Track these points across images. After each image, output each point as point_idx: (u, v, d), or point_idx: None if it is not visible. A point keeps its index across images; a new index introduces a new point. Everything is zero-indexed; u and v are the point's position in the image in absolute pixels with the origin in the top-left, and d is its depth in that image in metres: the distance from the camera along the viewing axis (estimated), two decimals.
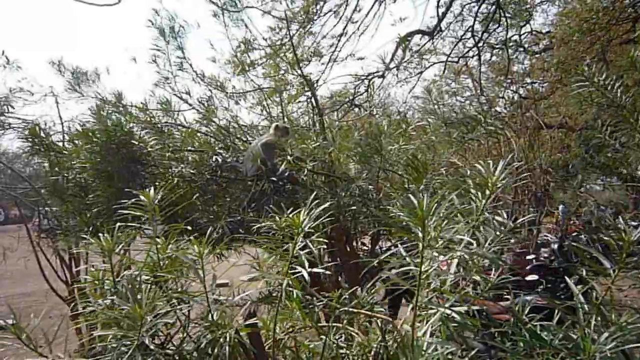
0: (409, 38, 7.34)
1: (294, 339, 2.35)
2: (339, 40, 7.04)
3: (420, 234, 1.59)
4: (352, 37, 7.08)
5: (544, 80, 10.25)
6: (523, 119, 8.07)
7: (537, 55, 10.29)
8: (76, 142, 3.99)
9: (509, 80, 10.31)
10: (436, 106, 4.27)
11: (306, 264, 1.90)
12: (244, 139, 4.86)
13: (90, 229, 3.81)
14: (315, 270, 1.96)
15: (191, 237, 2.52)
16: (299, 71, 5.49)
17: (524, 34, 9.24)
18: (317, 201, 3.89)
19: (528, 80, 10.97)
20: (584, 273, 2.57)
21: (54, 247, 5.73)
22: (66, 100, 5.01)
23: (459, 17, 7.92)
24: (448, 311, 1.79)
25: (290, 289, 2.04)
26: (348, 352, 2.25)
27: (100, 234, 2.34)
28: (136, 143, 3.88)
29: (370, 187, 4.05)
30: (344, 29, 6.98)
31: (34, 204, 6.34)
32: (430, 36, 7.45)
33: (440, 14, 7.14)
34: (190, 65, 4.92)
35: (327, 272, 2.18)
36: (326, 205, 2.00)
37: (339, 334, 2.35)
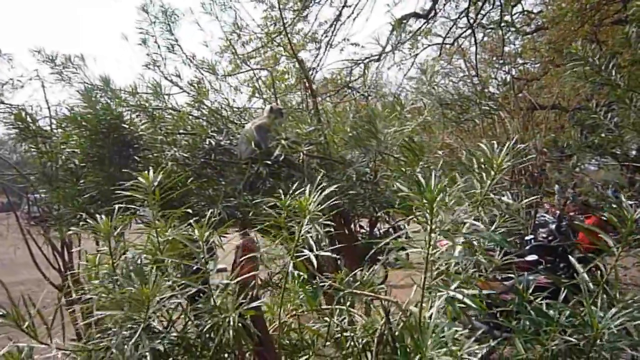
0: (404, 20, 7.27)
1: (297, 321, 2.31)
2: (334, 25, 6.96)
3: (428, 216, 1.55)
4: (346, 22, 7.01)
5: (536, 61, 10.22)
6: (516, 99, 8.04)
7: (528, 36, 10.24)
8: (65, 126, 3.88)
9: (500, 61, 10.26)
10: (431, 87, 4.21)
11: (314, 247, 1.86)
12: (237, 122, 4.77)
13: (83, 215, 3.73)
14: (322, 253, 1.92)
15: (189, 221, 2.48)
16: (292, 53, 5.39)
17: (515, 14, 9.18)
18: (316, 185, 3.83)
19: (520, 61, 10.94)
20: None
21: (45, 234, 5.64)
22: (52, 85, 4.87)
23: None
24: (455, 293, 1.76)
25: (296, 271, 1.99)
26: (352, 334, 2.22)
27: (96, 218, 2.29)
28: (127, 126, 3.78)
29: (367, 169, 3.99)
30: (339, 14, 6.90)
31: (22, 191, 6.22)
32: (425, 18, 7.38)
33: None
34: (180, 47, 4.81)
35: (333, 255, 2.14)
36: (333, 188, 1.96)
37: (342, 316, 2.32)
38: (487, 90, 9.16)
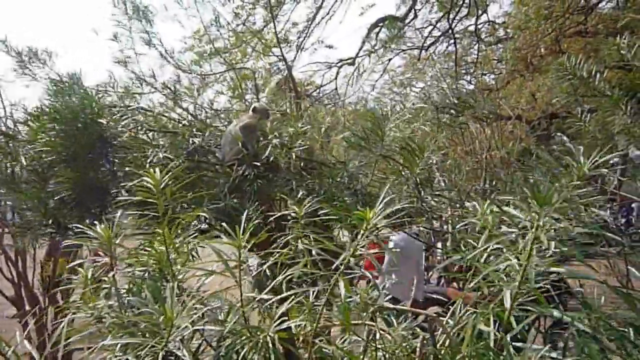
0: (380, 24, 7.17)
1: (327, 339, 2.08)
2: (307, 27, 6.78)
3: (535, 221, 1.36)
4: (320, 23, 6.84)
5: (499, 71, 10.37)
6: (485, 108, 8.04)
7: (491, 46, 10.39)
8: (33, 123, 3.48)
9: (463, 71, 10.36)
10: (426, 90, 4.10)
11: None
12: (214, 125, 4.49)
13: (51, 221, 3.36)
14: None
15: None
16: (279, 50, 5.16)
17: (480, 23, 9.28)
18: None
19: (484, 70, 11.08)
20: None
21: None
22: (10, 83, 4.44)
23: (427, 4, 7.84)
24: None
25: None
26: (386, 353, 2.00)
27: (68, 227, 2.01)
28: (104, 122, 3.44)
29: (360, 173, 3.80)
30: (313, 16, 6.73)
31: None
32: (402, 21, 7.30)
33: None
34: (160, 40, 4.49)
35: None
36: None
37: (370, 334, 2.11)
38: (450, 100, 9.15)
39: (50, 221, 3.41)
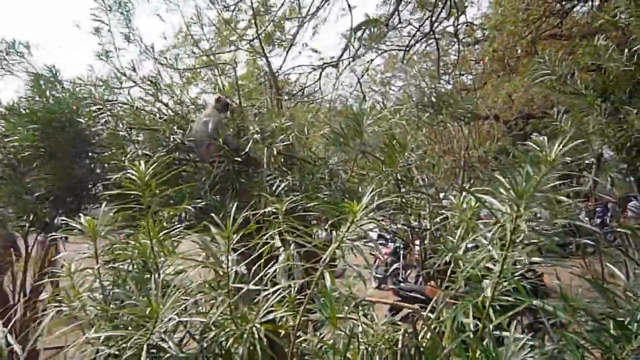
0: (363, 27, 7.21)
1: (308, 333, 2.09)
2: (297, 31, 6.80)
3: (513, 214, 1.39)
4: (305, 25, 6.86)
5: (477, 72, 10.50)
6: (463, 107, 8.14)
7: (469, 47, 10.51)
8: (9, 118, 3.43)
9: (442, 72, 10.46)
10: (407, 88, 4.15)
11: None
12: (194, 120, 4.47)
13: (30, 216, 3.33)
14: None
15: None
16: (262, 49, 5.15)
17: (459, 25, 9.36)
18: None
19: (462, 71, 11.21)
20: None
21: None
22: None
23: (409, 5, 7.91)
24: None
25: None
26: (369, 347, 2.02)
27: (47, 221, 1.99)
28: (83, 121, 3.41)
29: (339, 169, 3.83)
30: (301, 21, 6.75)
31: None
32: (386, 25, 7.36)
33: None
34: (140, 37, 4.44)
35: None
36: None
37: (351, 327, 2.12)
38: (429, 99, 9.22)
39: (29, 216, 3.38)
